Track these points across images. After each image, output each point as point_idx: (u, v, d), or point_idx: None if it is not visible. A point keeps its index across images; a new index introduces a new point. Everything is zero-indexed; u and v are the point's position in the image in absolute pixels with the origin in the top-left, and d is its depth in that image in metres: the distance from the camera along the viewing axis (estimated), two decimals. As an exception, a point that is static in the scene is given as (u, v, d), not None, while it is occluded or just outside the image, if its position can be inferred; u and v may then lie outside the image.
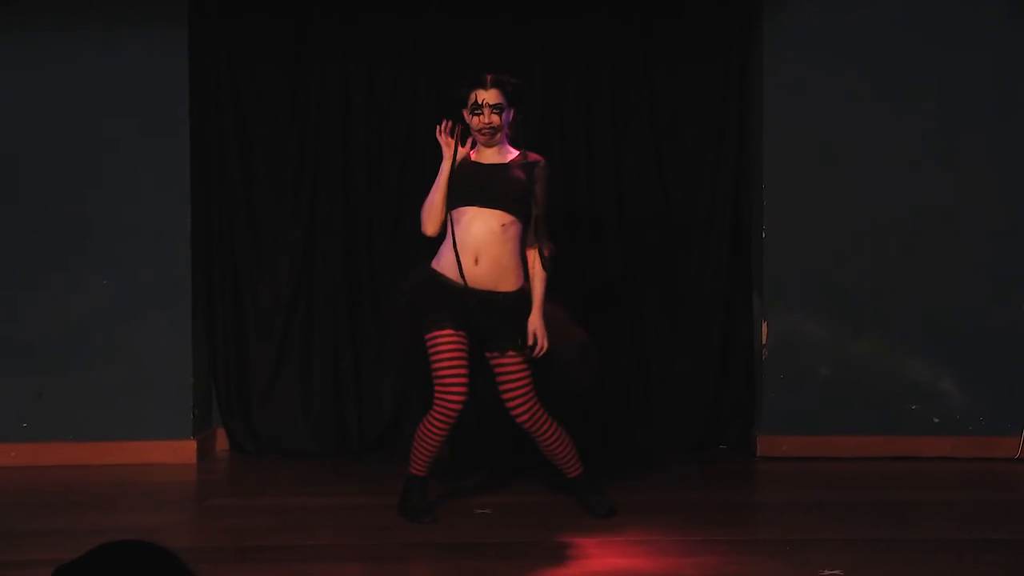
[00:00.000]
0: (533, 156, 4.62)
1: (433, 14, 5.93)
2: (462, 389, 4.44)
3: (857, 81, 5.73)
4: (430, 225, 4.57)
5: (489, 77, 4.53)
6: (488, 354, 4.57)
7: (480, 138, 4.54)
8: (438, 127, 4.57)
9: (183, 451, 5.74)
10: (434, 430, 4.51)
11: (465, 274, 4.45)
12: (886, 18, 5.73)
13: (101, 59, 5.68)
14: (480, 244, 4.46)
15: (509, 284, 4.51)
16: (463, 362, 4.45)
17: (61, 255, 5.70)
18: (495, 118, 4.50)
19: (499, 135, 4.54)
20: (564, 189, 5.95)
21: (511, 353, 4.52)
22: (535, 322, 4.50)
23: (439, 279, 4.51)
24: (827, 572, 3.98)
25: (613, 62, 5.97)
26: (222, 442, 6.06)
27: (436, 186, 4.55)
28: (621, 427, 5.94)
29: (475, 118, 4.52)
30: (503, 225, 4.47)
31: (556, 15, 5.95)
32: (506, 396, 4.57)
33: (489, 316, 4.48)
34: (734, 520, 4.79)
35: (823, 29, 5.74)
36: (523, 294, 4.54)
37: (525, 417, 4.57)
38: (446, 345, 4.45)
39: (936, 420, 5.78)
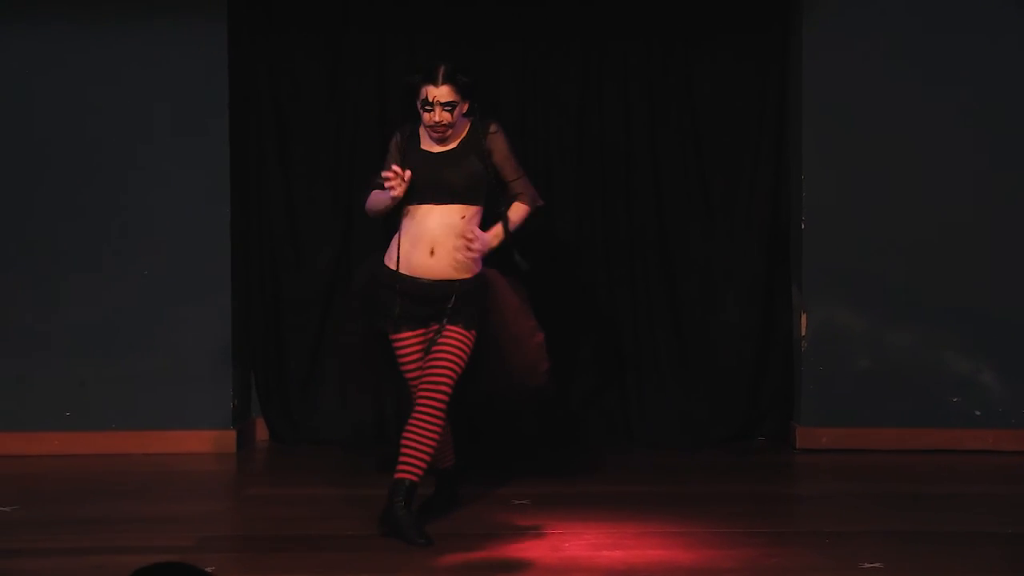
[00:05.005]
0: (480, 124, 4.37)
1: (471, 7, 5.92)
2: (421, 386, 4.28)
3: (897, 73, 5.68)
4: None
5: (441, 72, 4.25)
6: (429, 327, 4.32)
7: (431, 134, 4.33)
8: (393, 168, 4.29)
9: (223, 441, 5.78)
10: (413, 430, 4.25)
11: (420, 266, 4.28)
12: (926, 8, 5.67)
13: (140, 50, 5.72)
14: (436, 237, 4.29)
15: (467, 271, 4.32)
16: (417, 364, 4.33)
17: (102, 246, 5.75)
18: (446, 115, 4.27)
19: (450, 131, 4.32)
20: (604, 179, 5.95)
21: (453, 327, 4.27)
22: (482, 236, 4.30)
23: (392, 275, 4.33)
24: (867, 565, 3.95)
25: (652, 53, 5.95)
26: (261, 432, 6.10)
27: (377, 202, 4.39)
28: (659, 418, 5.93)
29: (425, 114, 4.29)
30: (462, 218, 4.31)
31: (594, 7, 5.93)
32: (429, 366, 4.27)
33: (443, 302, 4.28)
34: (773, 512, 4.77)
35: (862, 20, 5.70)
36: (480, 279, 4.35)
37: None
38: (411, 348, 4.34)
39: (978, 413, 5.72)
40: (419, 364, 4.32)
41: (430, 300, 4.30)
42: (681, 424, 5.92)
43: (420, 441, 4.24)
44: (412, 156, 4.34)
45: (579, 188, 5.97)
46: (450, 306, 4.28)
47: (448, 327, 4.29)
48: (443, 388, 4.25)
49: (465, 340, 4.30)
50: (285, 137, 5.99)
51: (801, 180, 5.78)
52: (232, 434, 5.80)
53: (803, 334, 5.76)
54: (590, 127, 5.92)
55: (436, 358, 4.28)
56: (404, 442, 4.27)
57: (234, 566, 4.03)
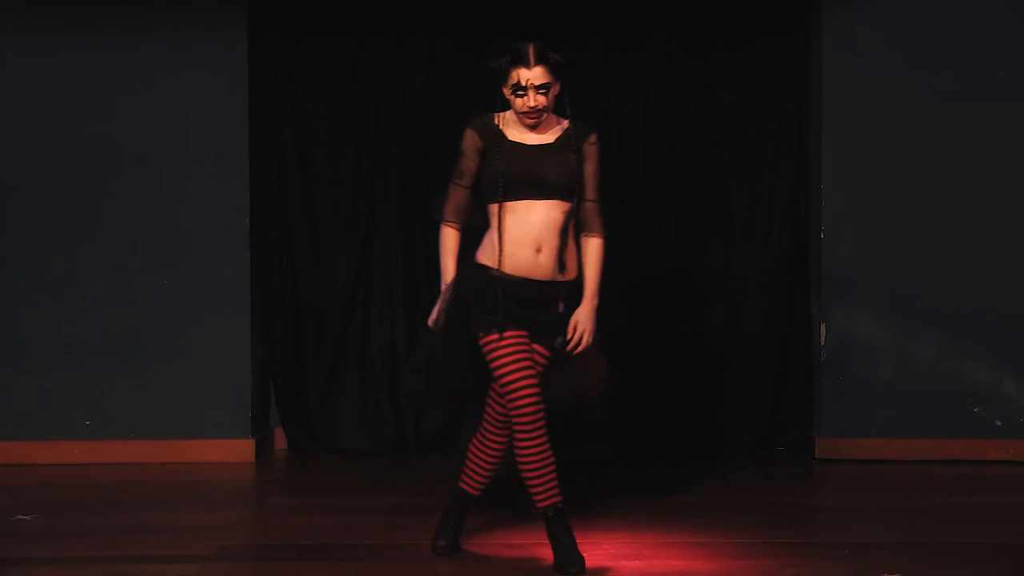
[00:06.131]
0: (581, 128, 4.13)
1: (490, 14, 5.94)
2: (534, 391, 3.97)
3: (917, 81, 5.67)
4: None
5: (532, 52, 3.96)
6: (537, 332, 4.07)
7: (525, 121, 4.03)
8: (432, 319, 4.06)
9: (242, 450, 5.79)
10: (524, 450, 3.98)
11: (525, 265, 4.01)
12: (945, 18, 5.67)
13: (161, 61, 5.75)
14: (541, 233, 4.01)
15: (570, 272, 4.09)
16: (529, 363, 3.99)
17: (121, 256, 5.77)
18: (541, 99, 3.98)
19: (544, 116, 4.05)
20: (622, 186, 5.95)
21: (556, 347, 4.06)
22: (583, 314, 4.06)
23: (488, 274, 4.04)
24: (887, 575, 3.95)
25: (671, 61, 5.96)
26: (280, 441, 6.11)
27: (444, 248, 4.12)
28: (678, 428, 5.92)
29: (518, 100, 4.00)
30: (563, 212, 4.04)
31: (613, 16, 5.94)
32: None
33: (547, 308, 4.05)
34: (792, 523, 4.76)
35: (882, 29, 5.69)
36: (580, 283, 4.12)
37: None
38: (509, 348, 3.98)
39: (999, 423, 5.70)
40: (528, 364, 3.98)
41: (536, 302, 4.04)
42: (700, 434, 5.91)
43: (535, 469, 4.03)
44: (505, 150, 4.04)
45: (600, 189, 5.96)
46: (560, 312, 4.04)
47: (558, 346, 4.06)
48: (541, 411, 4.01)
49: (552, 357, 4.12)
50: (305, 146, 6.01)
51: (820, 189, 5.77)
52: (251, 443, 5.82)
53: (822, 343, 5.75)
54: (609, 135, 5.92)
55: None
56: (529, 471, 4.05)
57: None
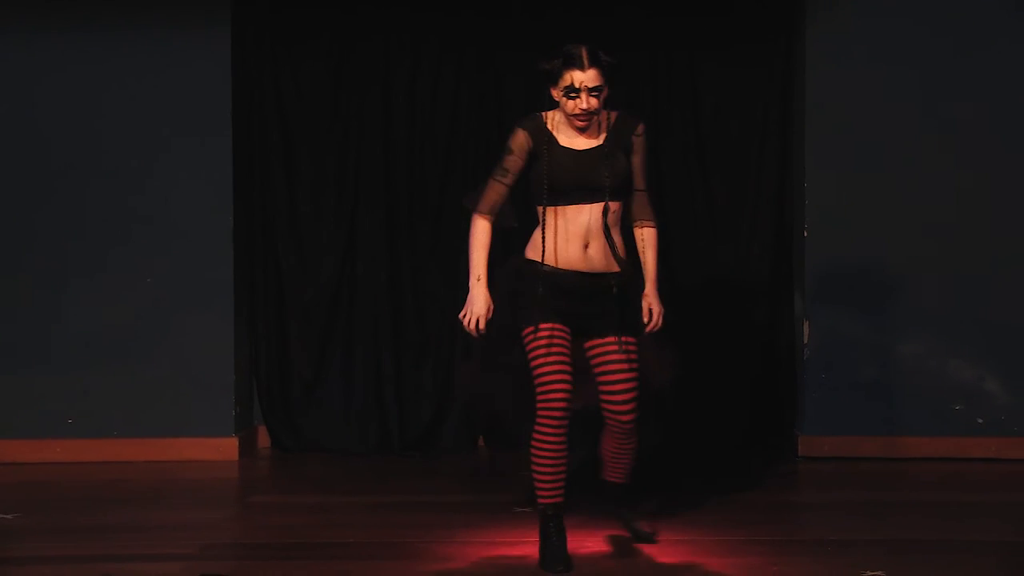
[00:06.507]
0: (627, 120, 4.11)
1: (475, 15, 5.94)
2: (564, 380, 3.94)
3: (899, 81, 5.70)
4: None
5: (586, 55, 3.92)
6: (589, 344, 4.08)
7: (576, 123, 4.00)
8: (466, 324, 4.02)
9: (225, 448, 5.78)
10: (542, 444, 3.98)
11: (574, 259, 4.03)
12: (927, 18, 5.69)
13: (144, 58, 5.74)
14: (590, 231, 4.02)
15: (620, 264, 4.08)
16: (565, 358, 3.97)
17: (105, 254, 5.76)
18: (593, 101, 3.95)
19: (595, 118, 4.04)
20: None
21: (622, 339, 4.04)
22: (651, 296, 4.11)
23: (538, 269, 4.04)
24: (869, 573, 3.95)
25: (656, 61, 5.97)
26: (264, 440, 6.10)
27: (474, 245, 4.05)
28: (660, 426, 5.92)
29: (570, 102, 3.96)
30: (612, 212, 4.05)
31: (596, 17, 5.94)
32: (611, 390, 4.07)
33: (600, 301, 4.05)
34: (775, 520, 4.77)
35: (865, 30, 5.71)
36: (634, 272, 4.14)
37: (633, 418, 4.07)
38: (545, 339, 3.97)
39: (980, 421, 5.72)
40: (564, 360, 3.97)
41: (587, 295, 4.05)
42: (682, 432, 5.91)
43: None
44: (557, 156, 4.02)
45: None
46: (612, 304, 4.04)
47: (624, 339, 4.06)
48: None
49: (635, 353, 4.10)
50: (289, 145, 6.00)
51: (804, 188, 5.79)
52: (234, 442, 5.81)
53: (806, 342, 5.76)
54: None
55: (616, 381, 4.07)
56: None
57: (239, 574, 4.03)
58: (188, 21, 5.73)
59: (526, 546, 4.29)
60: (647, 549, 4.26)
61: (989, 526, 4.64)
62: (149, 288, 5.76)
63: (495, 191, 4.07)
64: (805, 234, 5.78)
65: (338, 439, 5.98)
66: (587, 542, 4.34)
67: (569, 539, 4.10)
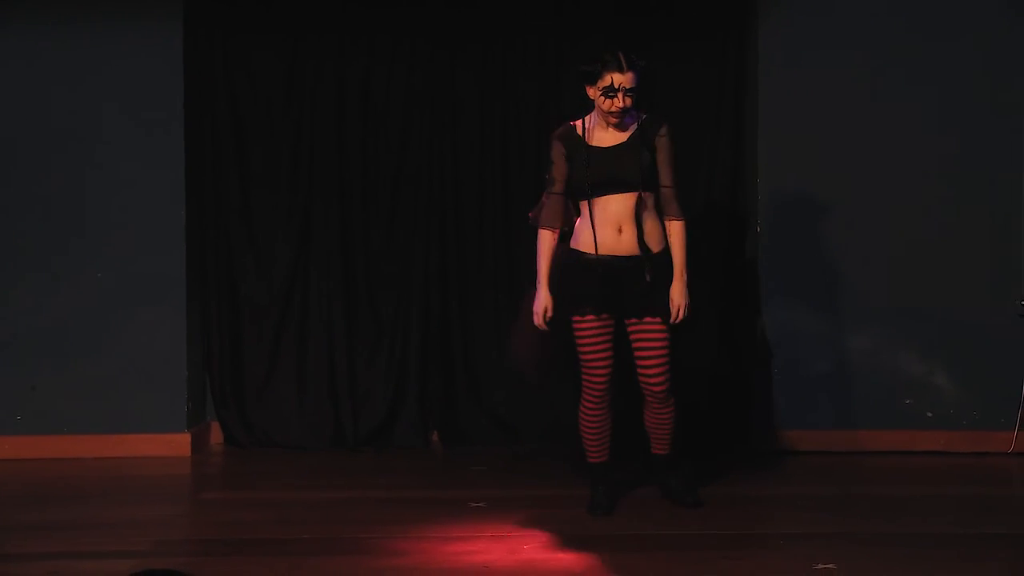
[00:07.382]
0: (652, 121, 4.58)
1: (428, 8, 5.92)
2: (604, 364, 4.55)
3: (852, 78, 5.74)
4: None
5: (624, 59, 4.43)
6: (628, 321, 4.57)
7: (610, 120, 4.50)
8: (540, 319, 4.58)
9: (177, 444, 5.74)
10: (586, 414, 4.64)
11: (610, 242, 4.50)
12: (879, 16, 5.74)
13: (95, 52, 5.68)
14: (621, 217, 4.50)
15: (654, 244, 4.55)
16: (607, 343, 4.55)
17: (55, 249, 5.70)
18: (628, 101, 4.45)
19: (627, 116, 4.52)
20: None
21: (653, 319, 4.54)
22: (678, 291, 4.55)
23: (582, 259, 4.53)
24: (821, 566, 3.98)
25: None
26: (216, 435, 6.06)
27: (542, 247, 4.61)
28: (615, 421, 5.93)
29: (607, 101, 4.45)
30: (641, 198, 4.52)
31: (552, 7, 5.94)
32: (645, 364, 4.59)
33: (635, 281, 4.51)
34: (728, 514, 4.79)
35: (818, 27, 5.75)
36: (668, 255, 4.58)
37: (664, 388, 4.61)
38: (590, 329, 4.53)
39: (930, 414, 5.78)
40: (607, 347, 4.56)
41: (625, 275, 4.50)
42: (633, 428, 5.91)
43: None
44: (588, 155, 4.52)
45: (537, 183, 5.96)
46: (647, 282, 4.50)
47: (649, 320, 4.55)
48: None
49: (666, 332, 4.59)
50: (242, 139, 5.96)
51: (756, 184, 5.82)
52: (187, 437, 5.77)
53: (759, 337, 5.79)
54: (548, 123, 5.92)
55: (650, 356, 4.59)
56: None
57: (191, 570, 4.00)
58: (140, 14, 5.68)
59: (480, 541, 4.29)
60: (593, 544, 4.26)
61: (938, 519, 4.68)
62: (100, 282, 5.70)
63: (553, 203, 4.61)
64: (758, 230, 5.81)
65: (291, 434, 5.95)
66: (528, 540, 4.34)
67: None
